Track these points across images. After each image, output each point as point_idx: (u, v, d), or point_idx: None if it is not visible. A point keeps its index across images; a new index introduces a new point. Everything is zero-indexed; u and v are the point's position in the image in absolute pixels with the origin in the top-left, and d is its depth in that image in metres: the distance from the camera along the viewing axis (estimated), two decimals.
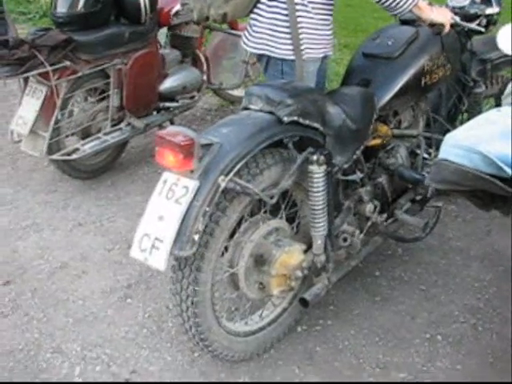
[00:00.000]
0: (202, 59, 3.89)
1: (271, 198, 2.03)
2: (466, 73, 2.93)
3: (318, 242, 2.17)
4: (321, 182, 2.09)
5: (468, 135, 1.63)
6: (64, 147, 3.31)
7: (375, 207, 2.47)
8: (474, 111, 2.99)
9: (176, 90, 3.71)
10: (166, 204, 1.82)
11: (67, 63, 3.06)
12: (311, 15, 2.33)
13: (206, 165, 1.83)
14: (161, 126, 3.80)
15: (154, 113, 3.70)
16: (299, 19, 2.30)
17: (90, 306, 2.62)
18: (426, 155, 2.71)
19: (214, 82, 4.02)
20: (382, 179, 2.53)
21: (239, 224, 2.10)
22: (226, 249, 2.10)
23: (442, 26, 2.43)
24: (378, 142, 2.50)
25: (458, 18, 2.59)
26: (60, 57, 3.02)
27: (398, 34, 2.57)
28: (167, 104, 3.70)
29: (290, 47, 2.33)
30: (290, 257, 2.15)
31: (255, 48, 2.43)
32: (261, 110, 2.04)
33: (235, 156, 1.87)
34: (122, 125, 3.46)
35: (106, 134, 3.39)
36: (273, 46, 2.36)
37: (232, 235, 2.08)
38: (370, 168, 2.52)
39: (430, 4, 2.46)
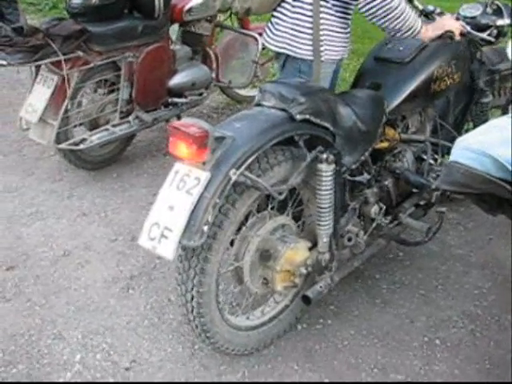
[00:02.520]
0: (212, 57, 3.93)
1: (280, 193, 2.05)
2: (475, 82, 2.95)
3: (324, 240, 2.19)
4: (329, 181, 2.11)
5: (479, 139, 1.66)
6: (72, 137, 3.33)
7: (380, 209, 2.49)
8: (480, 120, 3.01)
9: (185, 86, 3.74)
10: (177, 194, 1.84)
11: (80, 53, 3.09)
12: (333, 18, 2.38)
13: (218, 157, 1.85)
14: (168, 121, 3.83)
15: (162, 107, 3.72)
16: (322, 21, 2.35)
17: (92, 294, 2.63)
18: (431, 161, 2.73)
19: (223, 80, 4.04)
20: (388, 182, 2.55)
21: (246, 219, 2.12)
22: (232, 243, 2.12)
23: (452, 32, 2.46)
24: (385, 145, 2.52)
25: (468, 27, 2.62)
26: (73, 47, 3.04)
27: (409, 41, 2.59)
28: (175, 99, 3.73)
29: (311, 48, 2.38)
30: (295, 253, 2.17)
31: (276, 46, 2.48)
32: (274, 107, 2.07)
33: (247, 150, 1.89)
34: (131, 118, 3.48)
35: (114, 126, 3.41)
36: (294, 46, 2.41)
37: (239, 229, 2.11)
38: (376, 170, 2.54)
39: (442, 13, 2.49)
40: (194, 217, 1.82)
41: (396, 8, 2.26)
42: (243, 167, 1.88)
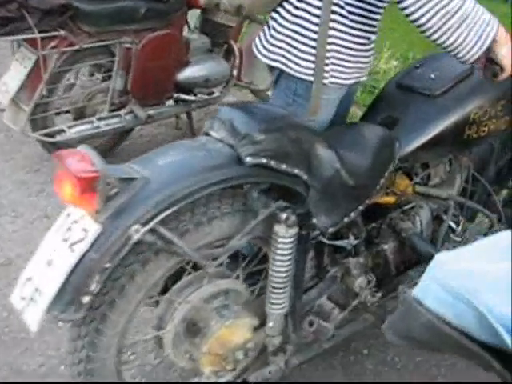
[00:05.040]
0: (236, 52, 3.41)
1: (214, 259, 1.54)
2: None
3: (270, 324, 1.67)
4: (287, 249, 1.58)
5: (464, 269, 1.03)
6: (52, 125, 2.92)
7: (368, 282, 1.93)
8: None
9: (196, 81, 3.25)
10: (60, 246, 1.36)
11: (62, 32, 2.65)
12: (348, 29, 1.78)
13: (119, 206, 1.35)
14: (178, 117, 3.41)
15: (168, 103, 3.26)
16: (331, 32, 1.76)
17: (13, 322, 2.22)
18: (452, 224, 2.15)
19: (244, 80, 3.54)
20: (388, 247, 2.00)
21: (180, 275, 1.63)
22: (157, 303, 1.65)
23: (500, 68, 1.84)
24: (391, 199, 1.96)
25: None
26: (54, 24, 2.62)
27: (447, 67, 1.99)
28: (182, 96, 3.25)
29: (312, 65, 1.80)
30: (231, 333, 1.65)
31: (268, 58, 1.89)
32: (222, 141, 1.55)
33: (164, 199, 1.38)
34: (122, 112, 3.03)
35: (100, 119, 2.97)
36: (290, 60, 1.82)
37: (165, 289, 1.63)
38: (375, 228, 1.99)
39: None
40: (70, 282, 1.33)
41: (458, 11, 1.62)
42: (154, 221, 1.37)
